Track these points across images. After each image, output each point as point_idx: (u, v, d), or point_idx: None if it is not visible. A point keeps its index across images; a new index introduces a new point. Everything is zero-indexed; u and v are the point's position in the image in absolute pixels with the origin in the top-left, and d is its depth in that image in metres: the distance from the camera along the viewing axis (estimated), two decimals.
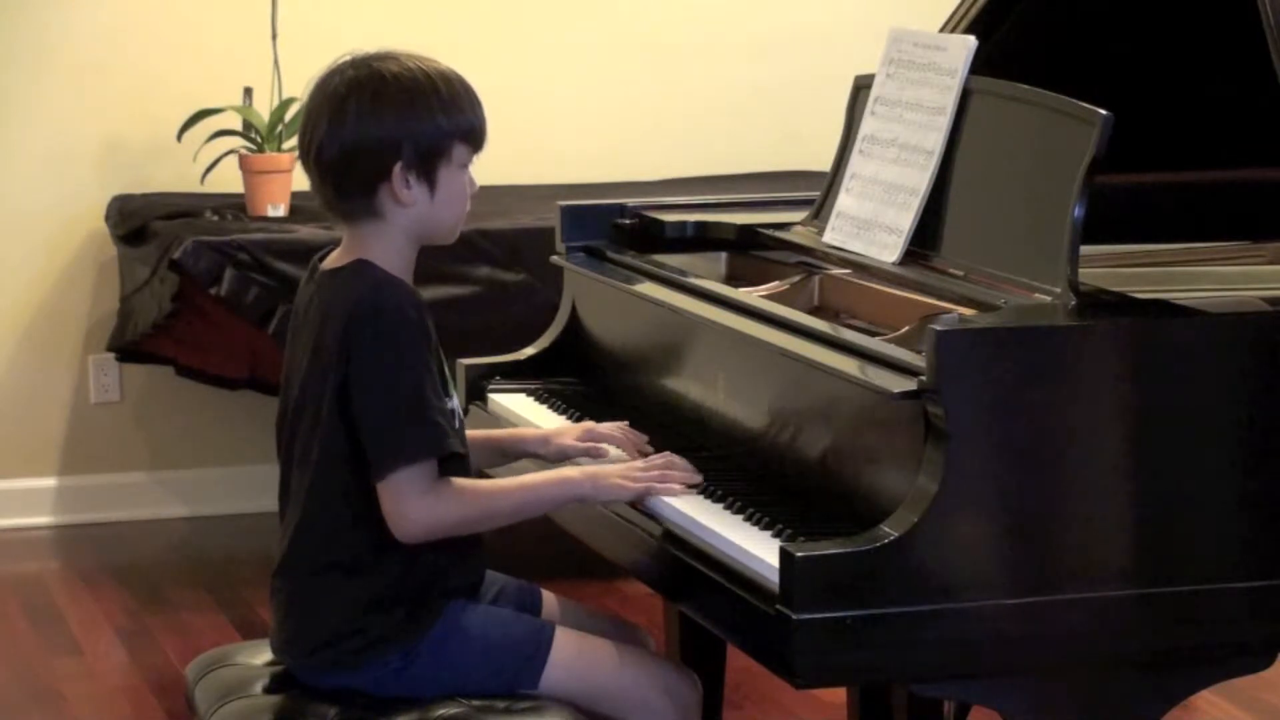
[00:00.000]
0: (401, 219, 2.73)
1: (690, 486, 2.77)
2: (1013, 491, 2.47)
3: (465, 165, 2.75)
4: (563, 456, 2.95)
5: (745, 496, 2.71)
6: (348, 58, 2.75)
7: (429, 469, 2.66)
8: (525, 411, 3.24)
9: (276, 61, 5.37)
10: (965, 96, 2.93)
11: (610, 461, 2.89)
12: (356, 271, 2.72)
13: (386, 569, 2.70)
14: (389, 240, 2.73)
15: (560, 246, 3.44)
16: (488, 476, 2.99)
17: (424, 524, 2.67)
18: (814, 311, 3.10)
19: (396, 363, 2.65)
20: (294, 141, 5.23)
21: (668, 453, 2.83)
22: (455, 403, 2.77)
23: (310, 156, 2.74)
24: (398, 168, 2.70)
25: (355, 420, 2.66)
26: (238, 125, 5.30)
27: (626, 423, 2.98)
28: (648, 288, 3.18)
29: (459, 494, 2.69)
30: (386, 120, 2.69)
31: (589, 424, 3.00)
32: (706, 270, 3.29)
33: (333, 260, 2.77)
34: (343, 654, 2.71)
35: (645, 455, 2.89)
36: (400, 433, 2.65)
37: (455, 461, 2.71)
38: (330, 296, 2.72)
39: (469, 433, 2.93)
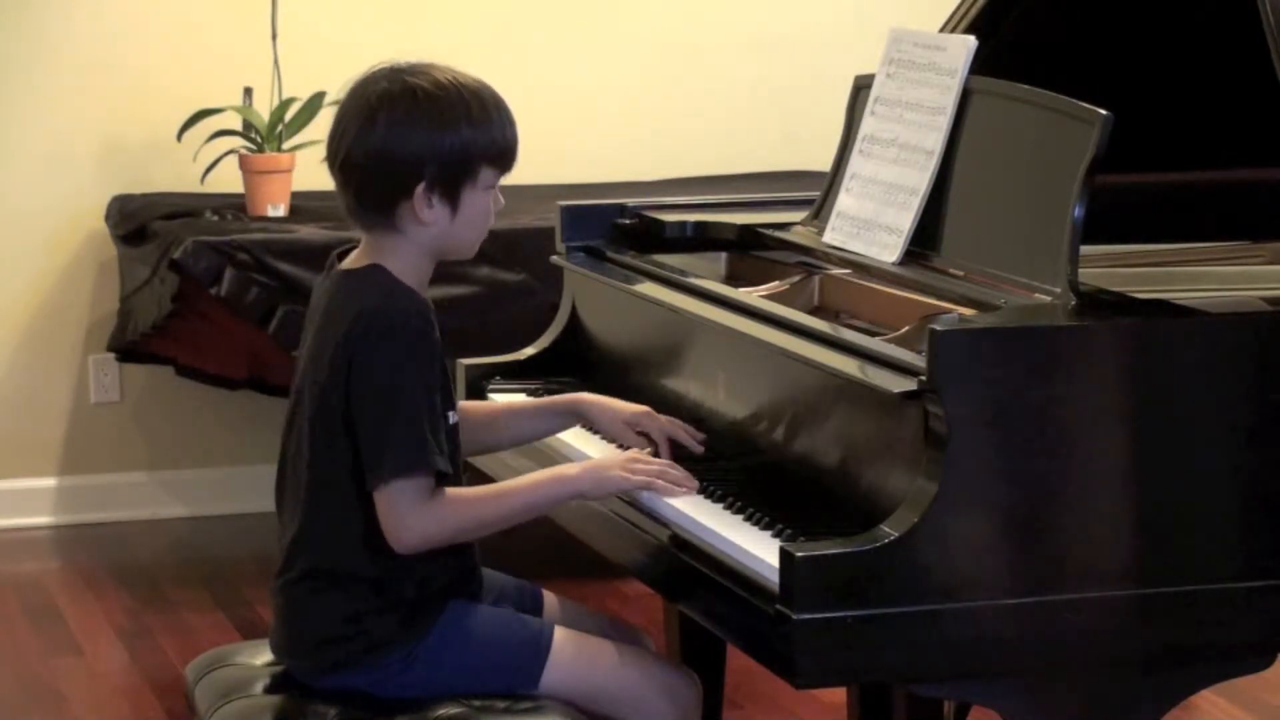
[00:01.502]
0: (420, 236, 2.72)
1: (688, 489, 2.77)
2: (1013, 491, 2.47)
3: (491, 187, 2.73)
4: (613, 429, 2.94)
5: (745, 496, 2.71)
6: (385, 66, 2.73)
7: (425, 481, 2.65)
8: None
9: (276, 61, 5.37)
10: (965, 96, 2.93)
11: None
12: (369, 276, 2.72)
13: (385, 572, 2.70)
14: (405, 252, 2.72)
15: (560, 246, 3.44)
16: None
17: (419, 534, 2.66)
18: (814, 311, 3.10)
19: (398, 373, 2.64)
20: (294, 141, 5.24)
21: (669, 461, 2.83)
22: (457, 416, 2.76)
23: (336, 161, 2.73)
24: (420, 189, 2.68)
25: (354, 427, 2.66)
26: (238, 125, 5.30)
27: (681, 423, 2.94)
28: (648, 288, 3.18)
29: (455, 504, 2.68)
30: (414, 139, 2.67)
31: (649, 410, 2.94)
32: (706, 270, 3.29)
33: (350, 261, 2.77)
34: (343, 655, 2.71)
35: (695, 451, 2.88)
36: (397, 444, 2.63)
37: (448, 474, 2.70)
38: (341, 299, 2.72)
39: (511, 399, 2.89)
